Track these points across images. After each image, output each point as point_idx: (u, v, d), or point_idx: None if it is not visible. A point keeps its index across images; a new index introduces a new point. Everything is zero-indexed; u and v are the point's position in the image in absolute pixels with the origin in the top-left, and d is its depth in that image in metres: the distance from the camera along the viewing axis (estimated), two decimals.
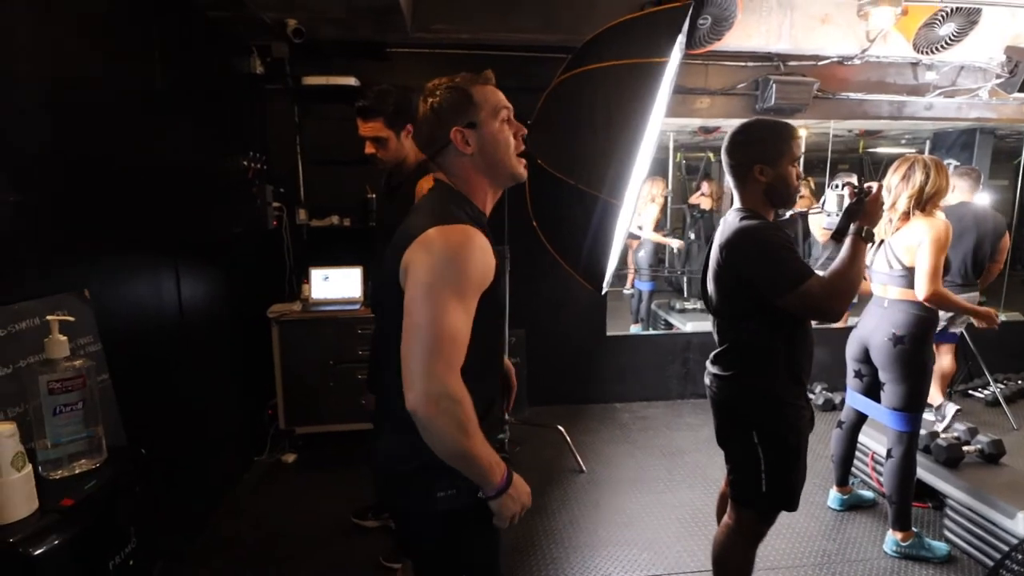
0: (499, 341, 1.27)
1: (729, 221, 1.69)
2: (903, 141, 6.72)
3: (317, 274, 3.34)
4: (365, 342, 3.13)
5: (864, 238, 1.54)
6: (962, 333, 3.84)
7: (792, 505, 1.69)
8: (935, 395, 3.31)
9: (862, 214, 1.56)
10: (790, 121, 3.80)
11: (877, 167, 7.10)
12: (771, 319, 1.61)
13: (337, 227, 3.48)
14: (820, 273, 1.53)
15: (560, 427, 3.31)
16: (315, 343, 3.18)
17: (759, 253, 1.57)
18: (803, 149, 1.67)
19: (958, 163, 5.49)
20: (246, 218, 3.13)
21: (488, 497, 1.04)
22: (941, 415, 3.21)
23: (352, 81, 3.29)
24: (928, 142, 5.93)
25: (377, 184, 3.16)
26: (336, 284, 3.35)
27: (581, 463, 3.14)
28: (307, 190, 3.56)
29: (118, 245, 1.96)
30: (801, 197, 5.77)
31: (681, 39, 2.90)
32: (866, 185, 1.61)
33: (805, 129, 4.81)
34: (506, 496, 1.04)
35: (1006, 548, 2.13)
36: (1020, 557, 1.37)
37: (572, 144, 2.48)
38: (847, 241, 1.56)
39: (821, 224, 1.82)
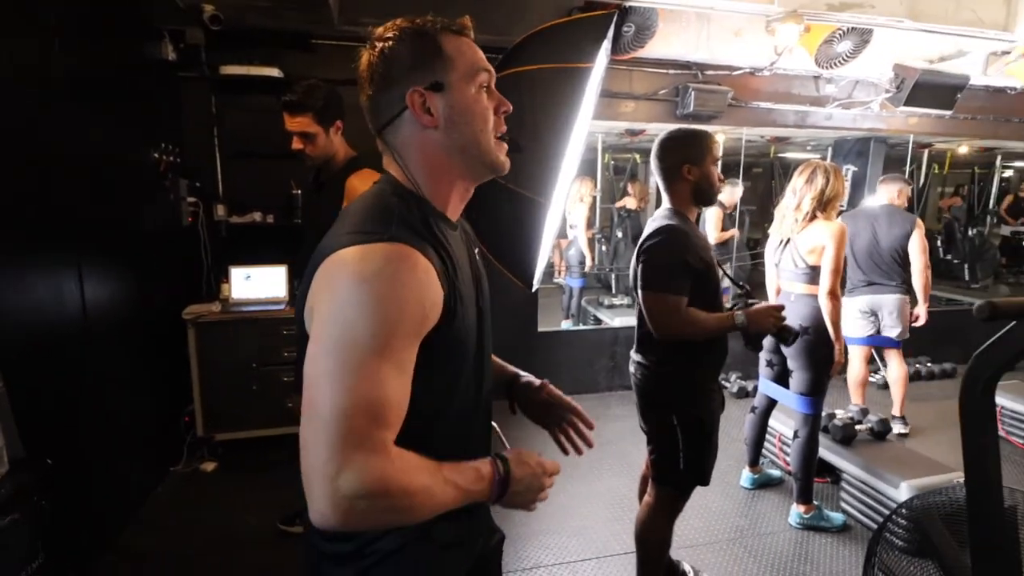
0: (474, 392, 0.90)
1: (655, 219, 1.83)
2: (809, 147, 7.30)
3: (238, 273, 3.19)
4: (291, 343, 3.03)
5: (738, 327, 1.73)
6: None
7: (705, 480, 1.85)
8: (856, 397, 3.50)
9: (749, 319, 1.73)
10: (707, 127, 4.06)
11: (786, 170, 7.66)
12: None
13: (260, 224, 3.33)
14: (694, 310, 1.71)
15: (492, 422, 3.35)
16: (236, 345, 3.04)
17: (657, 249, 1.74)
18: (721, 153, 1.83)
19: (855, 168, 6.06)
20: (158, 214, 2.94)
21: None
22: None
23: (275, 72, 3.16)
24: (830, 149, 6.48)
25: (303, 179, 3.07)
26: (259, 283, 3.22)
27: None
28: (226, 185, 3.39)
29: (12, 244, 1.80)
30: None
31: (606, 45, 3.02)
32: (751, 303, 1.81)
33: (723, 134, 5.13)
34: (509, 497, 0.82)
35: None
36: (900, 520, 1.54)
37: None
38: (733, 314, 1.74)
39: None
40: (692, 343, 1.76)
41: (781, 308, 1.79)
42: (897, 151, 5.64)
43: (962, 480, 1.32)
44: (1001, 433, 3.48)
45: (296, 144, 2.00)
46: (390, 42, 0.81)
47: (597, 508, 2.72)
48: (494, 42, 3.40)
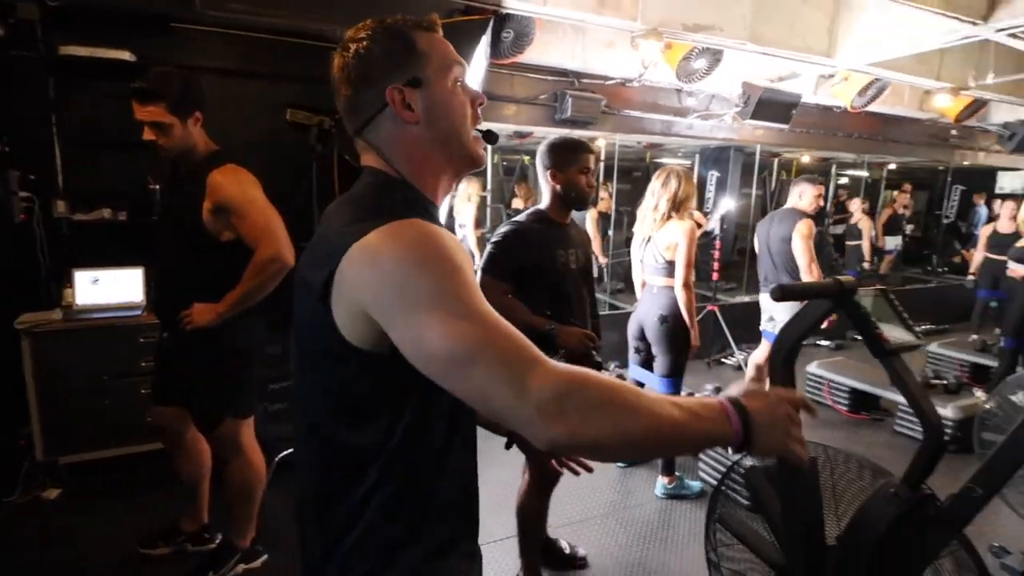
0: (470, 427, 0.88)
1: (520, 216, 1.96)
2: (680, 153, 7.97)
3: (83, 276, 2.87)
4: (149, 352, 2.77)
5: (548, 332, 1.80)
6: (714, 313, 4.70)
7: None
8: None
9: (563, 333, 1.81)
10: (584, 132, 4.30)
11: None
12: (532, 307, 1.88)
13: (110, 222, 3.01)
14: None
15: None
16: (83, 357, 2.73)
17: (493, 242, 1.92)
18: (593, 163, 1.96)
19: (718, 173, 6.70)
20: None
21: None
22: None
23: (127, 56, 2.88)
24: (697, 155, 7.12)
25: (161, 174, 2.83)
26: (109, 287, 2.91)
27: None
28: (68, 178, 3.03)
29: None
30: (602, 199, 6.55)
31: (483, 49, 3.11)
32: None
33: (604, 140, 5.46)
34: (758, 432, 0.69)
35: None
36: (735, 476, 1.74)
37: None
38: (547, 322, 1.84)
39: None
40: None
41: (593, 338, 1.88)
42: (752, 159, 6.35)
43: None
44: (828, 402, 4.06)
45: (147, 135, 1.86)
46: (364, 43, 0.81)
47: (481, 499, 2.78)
48: None
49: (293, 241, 2.07)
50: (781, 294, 1.16)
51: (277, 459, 2.87)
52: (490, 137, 0.90)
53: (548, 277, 1.90)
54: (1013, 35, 3.21)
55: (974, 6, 3.00)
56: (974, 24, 3.02)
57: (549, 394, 0.62)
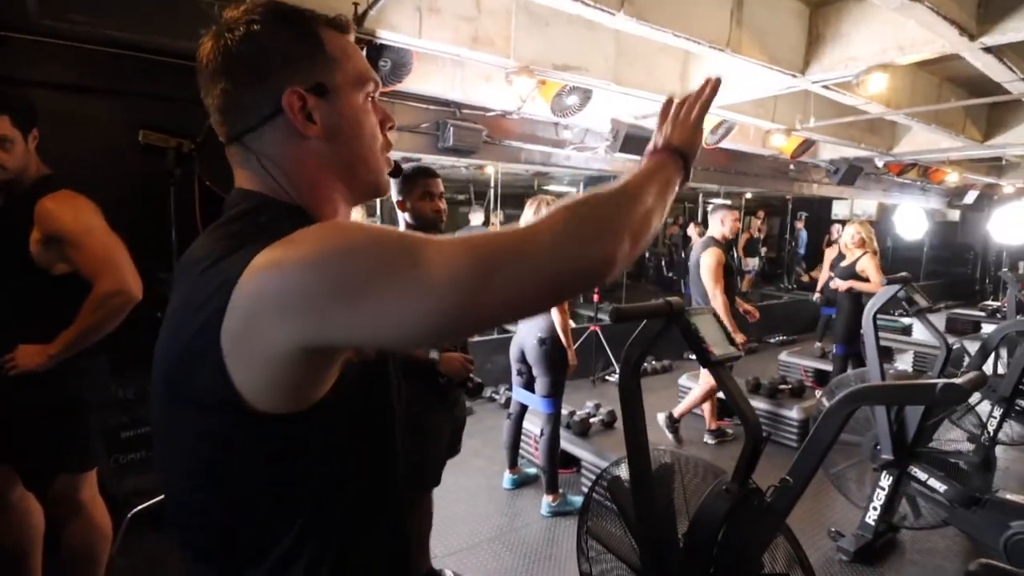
0: (387, 462, 0.76)
1: None
2: (566, 181, 8.41)
3: None
4: None
5: (429, 360, 1.86)
6: (596, 333, 4.95)
7: (426, 482, 2.03)
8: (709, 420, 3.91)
9: (443, 359, 1.89)
10: (467, 160, 4.40)
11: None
12: None
13: None
14: None
15: None
16: None
17: None
18: (437, 188, 2.01)
19: None
20: None
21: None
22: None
23: None
24: (582, 183, 7.55)
25: None
26: None
27: None
28: None
29: None
30: (492, 225, 6.72)
31: None
32: None
33: (493, 167, 5.63)
34: (688, 148, 0.81)
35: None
36: (602, 483, 1.83)
37: None
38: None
39: None
40: None
41: (471, 361, 1.97)
42: None
43: (660, 449, 1.68)
44: (698, 411, 4.40)
45: None
46: (256, 26, 0.65)
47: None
48: None
49: (148, 273, 1.92)
50: (617, 316, 1.28)
51: (130, 514, 2.58)
52: (396, 171, 0.78)
53: None
54: (826, 86, 3.80)
55: (793, 61, 3.52)
56: (793, 76, 3.54)
57: (563, 234, 0.60)
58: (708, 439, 3.95)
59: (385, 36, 2.90)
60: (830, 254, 6.22)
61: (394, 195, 1.98)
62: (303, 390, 0.60)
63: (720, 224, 3.74)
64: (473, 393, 2.00)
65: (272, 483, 0.63)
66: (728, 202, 4.12)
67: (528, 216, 2.90)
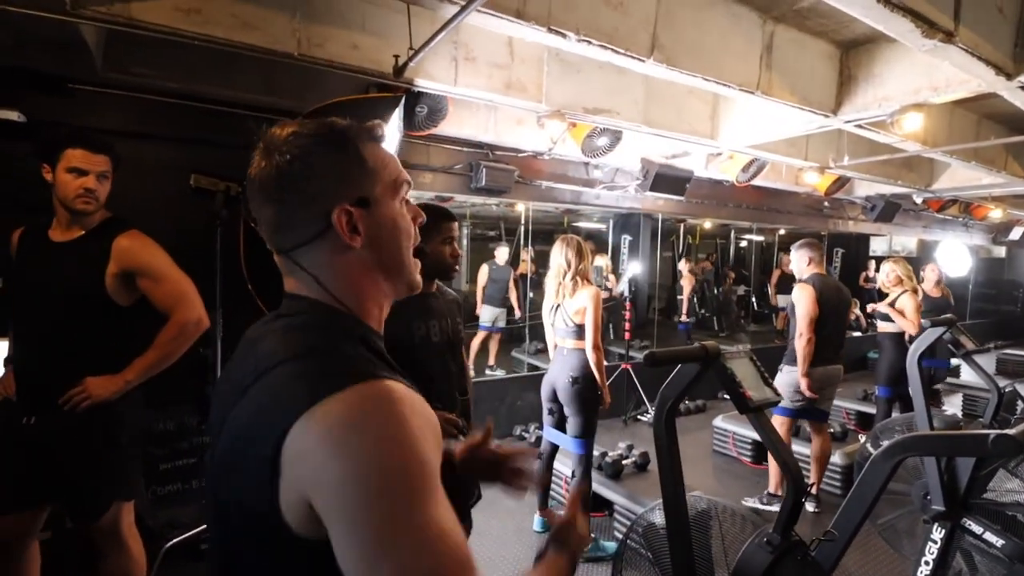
0: None
1: None
2: (595, 218, 8.47)
3: None
4: None
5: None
6: (628, 371, 4.89)
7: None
8: (773, 483, 3.45)
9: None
10: (499, 199, 4.50)
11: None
12: None
13: None
14: None
15: None
16: None
17: None
18: (456, 231, 1.91)
19: (631, 236, 7.14)
20: None
21: None
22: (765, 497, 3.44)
23: (15, 116, 2.76)
24: (611, 220, 7.59)
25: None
26: None
27: None
28: None
29: None
30: (523, 261, 6.79)
31: (397, 122, 3.25)
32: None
33: (524, 205, 5.73)
34: (577, 552, 0.87)
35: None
36: (637, 529, 1.78)
37: None
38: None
39: None
40: None
41: (457, 424, 1.78)
42: (666, 224, 6.83)
43: (695, 495, 1.64)
44: (733, 454, 4.27)
45: (90, 184, 1.83)
46: (306, 150, 0.70)
47: None
48: (284, 105, 3.44)
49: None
50: (652, 361, 1.28)
51: (166, 546, 2.62)
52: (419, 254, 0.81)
53: (406, 351, 1.71)
54: (859, 126, 3.78)
55: (825, 102, 3.52)
56: (826, 116, 3.54)
57: None
58: (762, 503, 3.51)
59: (423, 84, 3.03)
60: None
61: None
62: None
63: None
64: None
65: None
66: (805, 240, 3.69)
67: (559, 259, 2.94)
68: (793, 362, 3.33)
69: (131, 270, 1.86)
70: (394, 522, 0.56)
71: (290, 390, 0.62)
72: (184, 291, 1.92)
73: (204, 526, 2.73)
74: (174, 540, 2.66)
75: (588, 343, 2.85)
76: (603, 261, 6.06)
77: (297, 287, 0.75)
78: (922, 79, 3.18)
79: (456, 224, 1.95)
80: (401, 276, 0.78)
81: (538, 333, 6.68)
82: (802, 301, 3.30)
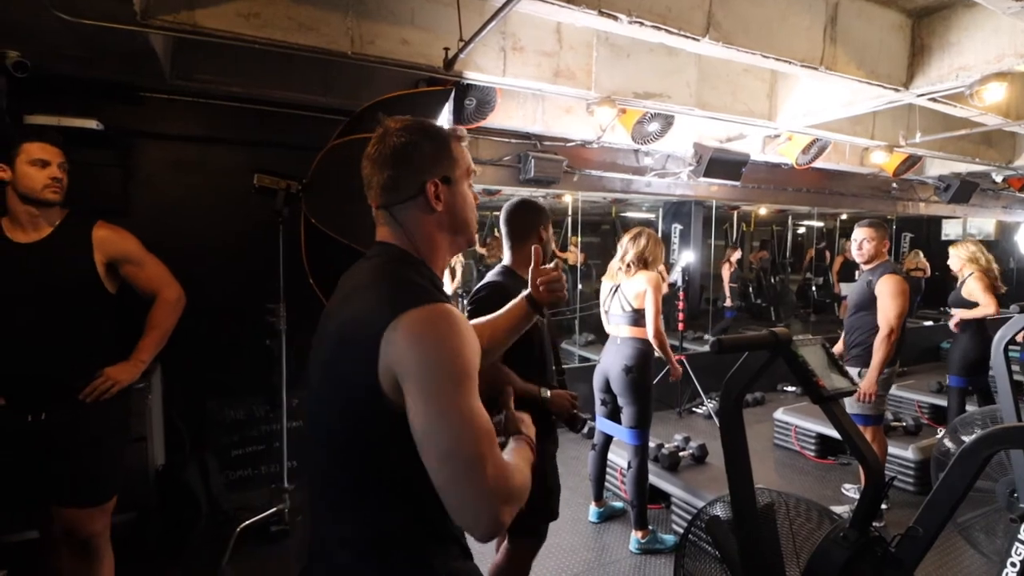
0: None
1: (488, 275, 1.98)
2: (644, 208, 8.28)
3: None
4: None
5: (540, 398, 1.83)
6: (682, 362, 4.78)
7: (552, 515, 1.95)
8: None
9: (553, 396, 1.86)
10: (547, 190, 4.47)
11: (627, 228, 8.63)
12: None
13: None
14: None
15: None
16: None
17: (477, 302, 1.86)
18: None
19: (681, 226, 6.96)
20: None
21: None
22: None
23: (93, 124, 2.94)
24: (660, 209, 7.41)
25: None
26: None
27: None
28: None
29: None
30: (570, 252, 6.75)
31: (447, 115, 3.27)
32: None
33: (570, 196, 5.68)
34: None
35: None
36: (699, 523, 1.74)
37: (345, 206, 2.58)
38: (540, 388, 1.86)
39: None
40: None
41: (576, 397, 1.90)
42: (718, 212, 6.61)
43: (760, 488, 1.58)
44: (796, 448, 4.11)
45: (57, 174, 1.85)
46: (415, 137, 1.00)
47: None
48: (341, 104, 3.52)
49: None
50: (720, 348, 1.24)
51: (239, 528, 2.76)
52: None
53: (533, 336, 1.86)
54: (933, 99, 3.53)
55: (895, 75, 3.30)
56: (896, 91, 3.32)
57: (505, 511, 0.85)
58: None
59: (472, 76, 3.03)
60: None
61: (516, 223, 1.97)
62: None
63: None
64: (579, 429, 1.94)
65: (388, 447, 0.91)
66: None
67: (625, 243, 2.92)
68: (859, 363, 3.07)
69: (115, 258, 1.92)
70: (444, 393, 0.84)
71: (385, 302, 0.90)
72: (164, 271, 2.02)
73: (274, 509, 2.86)
74: (246, 523, 2.80)
75: (650, 329, 2.80)
76: None
77: (387, 235, 1.03)
78: (1006, 45, 2.93)
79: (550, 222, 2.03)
80: (465, 233, 1.08)
81: (588, 324, 6.64)
82: (894, 294, 2.96)
